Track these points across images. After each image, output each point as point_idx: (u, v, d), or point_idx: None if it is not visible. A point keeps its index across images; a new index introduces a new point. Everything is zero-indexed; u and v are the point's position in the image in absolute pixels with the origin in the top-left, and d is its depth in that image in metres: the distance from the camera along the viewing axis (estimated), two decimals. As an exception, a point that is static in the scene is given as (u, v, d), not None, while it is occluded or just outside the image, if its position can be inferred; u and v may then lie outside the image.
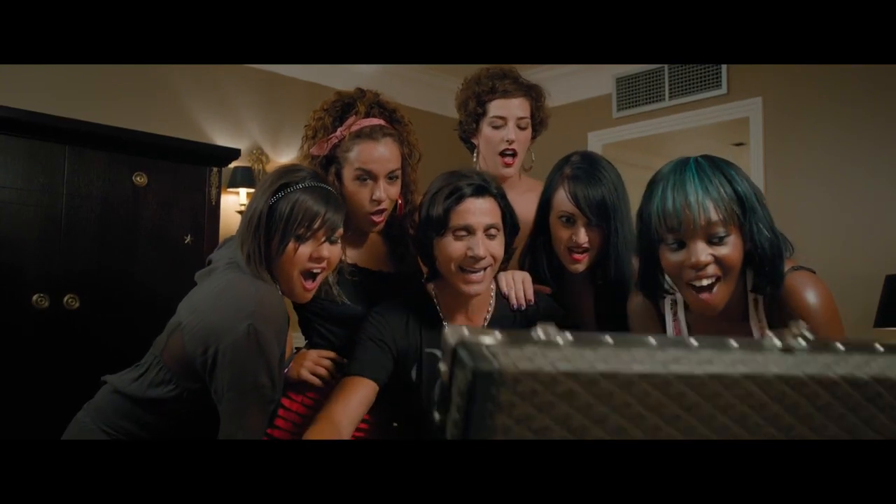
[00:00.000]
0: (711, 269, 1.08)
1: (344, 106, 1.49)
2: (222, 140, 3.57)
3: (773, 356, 0.50)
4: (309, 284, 1.28)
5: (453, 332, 0.48)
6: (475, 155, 1.81)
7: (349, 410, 1.30)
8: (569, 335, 0.49)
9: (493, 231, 1.33)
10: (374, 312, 1.43)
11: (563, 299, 1.56)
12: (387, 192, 1.45)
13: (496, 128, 1.73)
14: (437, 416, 0.50)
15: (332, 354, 1.49)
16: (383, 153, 1.44)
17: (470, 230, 1.31)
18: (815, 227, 3.18)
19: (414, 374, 1.39)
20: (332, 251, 1.28)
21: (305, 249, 1.24)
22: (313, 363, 1.47)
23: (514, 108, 1.72)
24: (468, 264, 1.32)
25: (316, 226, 1.23)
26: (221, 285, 1.23)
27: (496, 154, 1.73)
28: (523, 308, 1.46)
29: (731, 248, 1.08)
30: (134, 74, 3.28)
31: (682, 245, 1.10)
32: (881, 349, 0.51)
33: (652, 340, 0.51)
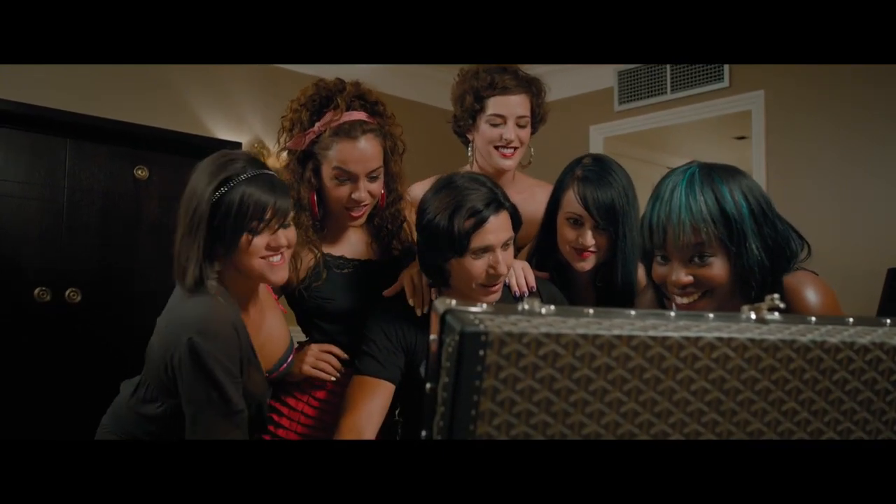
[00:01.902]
0: (693, 288, 1.07)
1: (322, 100, 1.42)
2: (223, 134, 3.59)
3: (747, 325, 0.52)
4: (277, 262, 1.24)
5: (441, 302, 0.50)
6: (469, 149, 1.77)
7: (373, 418, 1.30)
8: (552, 307, 0.51)
9: (509, 243, 1.31)
10: (384, 309, 1.41)
11: (569, 301, 1.56)
12: (368, 191, 1.41)
13: (494, 125, 1.65)
14: (428, 386, 0.53)
15: (333, 349, 1.48)
16: (364, 152, 1.38)
17: (490, 249, 1.28)
18: (815, 221, 3.19)
19: (423, 370, 1.39)
20: (288, 235, 1.25)
21: (261, 241, 1.20)
22: (315, 358, 1.45)
23: (513, 105, 1.65)
24: (490, 281, 1.30)
25: (268, 216, 1.19)
26: (172, 300, 1.23)
27: (493, 150, 1.68)
28: (526, 295, 1.47)
29: (715, 269, 1.04)
30: (135, 68, 3.30)
31: (667, 259, 1.08)
32: (851, 321, 0.54)
33: (632, 312, 0.53)
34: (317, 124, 1.41)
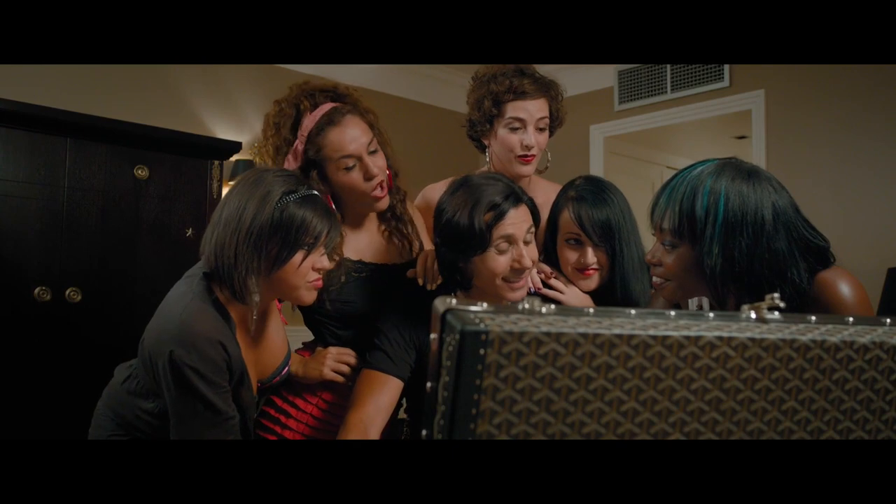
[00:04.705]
0: (659, 270, 1.13)
1: (290, 112, 1.44)
2: (223, 133, 3.59)
3: (747, 324, 0.52)
4: (316, 284, 1.25)
5: (442, 301, 0.50)
6: (487, 154, 1.72)
7: (380, 414, 1.30)
8: (552, 306, 0.52)
9: (529, 236, 1.30)
10: (399, 305, 1.42)
11: None
12: (377, 166, 1.40)
13: (513, 129, 1.62)
14: (429, 384, 0.53)
15: (350, 352, 1.48)
16: (353, 131, 1.39)
17: (512, 241, 1.28)
18: (816, 220, 3.17)
19: None
20: (328, 263, 1.27)
21: (310, 260, 1.21)
22: (335, 362, 1.45)
23: (533, 110, 1.61)
24: (515, 276, 1.30)
25: (324, 237, 1.20)
26: (166, 301, 1.22)
27: (513, 157, 1.63)
28: (542, 291, 1.47)
29: (673, 258, 1.10)
30: (135, 68, 3.30)
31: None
32: (850, 320, 0.54)
33: (632, 311, 0.53)
34: (298, 134, 1.41)
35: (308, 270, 1.21)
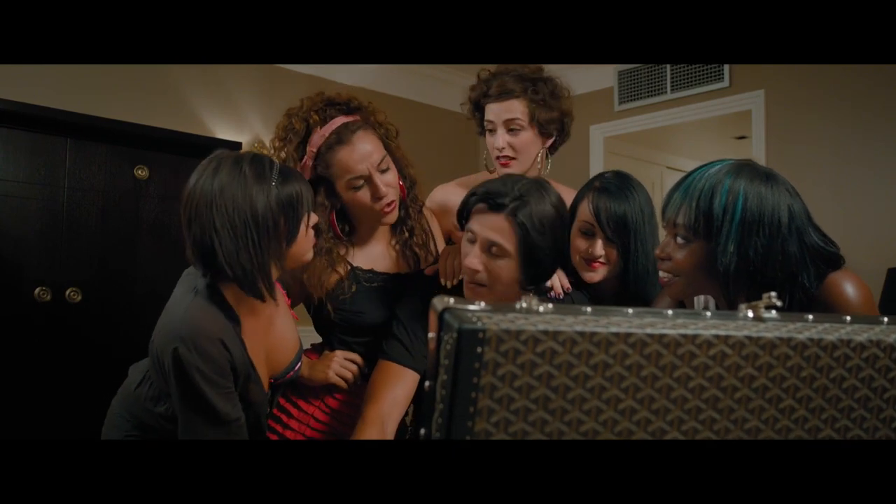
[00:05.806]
0: (668, 265, 1.14)
1: (299, 126, 1.41)
2: (223, 133, 3.59)
3: (745, 323, 0.52)
4: (314, 240, 1.28)
5: (440, 300, 0.51)
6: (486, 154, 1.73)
7: (397, 407, 1.29)
8: (550, 305, 0.52)
9: (495, 250, 1.23)
10: (420, 295, 1.41)
11: None
12: (387, 184, 1.39)
13: (491, 132, 1.60)
14: (427, 383, 0.53)
15: (356, 357, 1.48)
16: (363, 149, 1.37)
17: (473, 241, 1.26)
18: (816, 220, 3.18)
19: None
20: (315, 217, 1.29)
21: (308, 224, 1.24)
22: (340, 366, 1.45)
23: (502, 111, 1.58)
24: (467, 273, 1.27)
25: (311, 197, 1.23)
26: (171, 300, 1.23)
27: (494, 159, 1.62)
28: (561, 298, 1.46)
29: (685, 254, 1.11)
30: (135, 68, 3.31)
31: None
32: (848, 319, 0.54)
33: (629, 310, 0.53)
34: (307, 150, 1.40)
35: (308, 231, 1.24)
